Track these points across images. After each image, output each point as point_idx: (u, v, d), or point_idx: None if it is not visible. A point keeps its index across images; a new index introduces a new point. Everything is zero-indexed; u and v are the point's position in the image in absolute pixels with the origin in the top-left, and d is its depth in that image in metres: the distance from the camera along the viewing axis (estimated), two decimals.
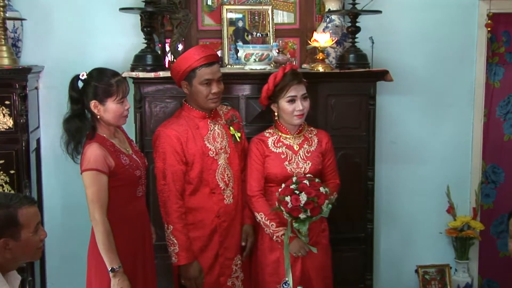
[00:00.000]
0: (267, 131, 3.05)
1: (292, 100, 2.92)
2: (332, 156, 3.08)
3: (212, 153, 2.90)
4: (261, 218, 2.93)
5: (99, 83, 2.62)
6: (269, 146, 2.99)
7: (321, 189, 2.78)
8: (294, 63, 3.60)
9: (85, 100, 2.65)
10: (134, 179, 2.70)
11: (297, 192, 2.75)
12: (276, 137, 3.01)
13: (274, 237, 2.91)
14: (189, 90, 2.87)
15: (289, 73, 2.93)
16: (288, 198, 2.76)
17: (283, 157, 2.97)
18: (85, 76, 2.65)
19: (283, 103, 2.93)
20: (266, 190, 3.01)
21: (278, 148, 2.99)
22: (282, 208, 2.79)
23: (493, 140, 4.13)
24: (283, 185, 2.84)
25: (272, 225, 2.91)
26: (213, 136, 2.93)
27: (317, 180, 2.84)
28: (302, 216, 2.75)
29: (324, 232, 3.05)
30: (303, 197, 2.73)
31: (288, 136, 3.01)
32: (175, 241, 2.83)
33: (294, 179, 2.82)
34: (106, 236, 2.56)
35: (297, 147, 3.00)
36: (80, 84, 2.66)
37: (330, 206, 2.80)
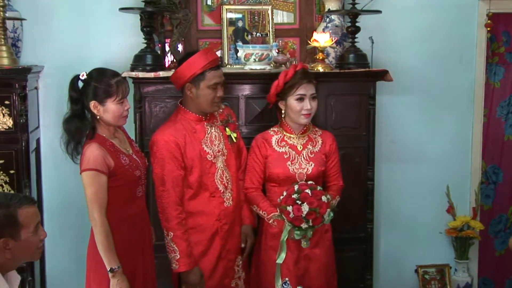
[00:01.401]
0: (271, 129, 3.06)
1: (300, 99, 2.92)
2: (336, 158, 3.08)
3: (210, 156, 2.89)
4: (256, 209, 2.98)
5: (99, 83, 2.62)
6: (273, 144, 2.99)
7: (323, 198, 2.79)
8: (294, 63, 3.59)
9: (85, 100, 2.64)
10: (133, 179, 2.70)
11: (299, 202, 2.75)
12: (280, 136, 3.01)
13: (270, 222, 2.93)
14: (193, 93, 2.85)
15: (300, 72, 2.94)
16: (290, 208, 2.76)
17: (285, 157, 2.97)
18: (85, 76, 2.65)
19: (292, 101, 2.93)
20: (268, 189, 3.02)
21: (281, 148, 2.99)
22: (284, 217, 2.80)
23: (493, 140, 4.12)
24: (284, 193, 2.84)
25: (264, 213, 2.94)
26: (211, 139, 2.92)
27: (319, 188, 2.85)
28: (304, 226, 2.77)
29: (327, 233, 3.05)
30: (305, 208, 2.74)
31: (292, 136, 3.01)
32: (176, 247, 2.81)
33: (295, 187, 2.82)
34: (105, 236, 2.56)
35: (300, 147, 3.00)
36: (80, 84, 2.66)
37: (332, 214, 2.82)
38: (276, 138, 3.01)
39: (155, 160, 2.84)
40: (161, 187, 2.82)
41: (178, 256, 2.81)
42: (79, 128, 2.64)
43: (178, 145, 2.82)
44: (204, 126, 2.92)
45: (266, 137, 3.02)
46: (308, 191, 2.78)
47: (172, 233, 2.81)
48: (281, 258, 2.86)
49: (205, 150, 2.88)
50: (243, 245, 3.01)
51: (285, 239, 2.84)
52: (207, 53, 2.86)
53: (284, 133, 3.02)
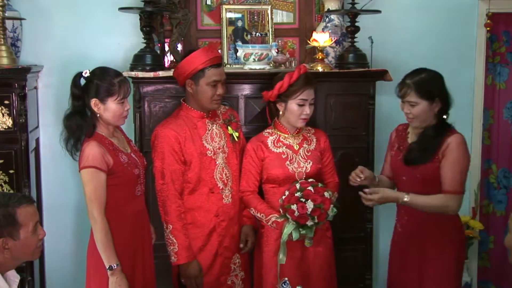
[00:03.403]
0: (265, 130, 3.05)
1: (302, 104, 2.91)
2: (330, 154, 3.09)
3: (210, 152, 2.91)
4: (253, 212, 2.97)
5: (101, 81, 2.63)
6: (269, 146, 2.99)
7: (326, 194, 2.80)
8: (294, 63, 3.60)
9: (86, 97, 2.66)
10: (132, 177, 2.71)
11: (302, 200, 2.76)
12: (276, 137, 3.01)
13: (269, 224, 2.92)
14: (193, 90, 2.88)
15: (305, 76, 2.93)
16: (294, 207, 2.77)
17: (283, 157, 2.97)
18: (88, 74, 2.66)
19: (293, 104, 2.92)
20: (267, 191, 3.02)
21: (278, 148, 2.99)
22: (289, 216, 2.80)
23: (502, 143, 4.08)
24: (286, 192, 2.85)
25: (262, 216, 2.93)
26: (211, 136, 2.94)
27: (320, 184, 2.86)
28: (309, 223, 2.77)
29: (328, 231, 3.06)
30: (310, 205, 2.74)
31: (287, 136, 3.01)
32: (175, 240, 2.84)
33: (297, 186, 2.83)
34: (104, 234, 2.57)
35: (297, 147, 3.00)
36: (82, 81, 2.67)
37: (335, 210, 2.82)
38: (272, 140, 3.01)
39: (155, 153, 2.88)
40: (161, 180, 2.86)
41: (177, 249, 2.84)
42: (80, 125, 2.66)
43: (178, 139, 2.86)
44: (205, 123, 2.94)
45: (261, 139, 3.01)
46: (310, 188, 2.79)
47: (171, 226, 2.84)
48: (281, 259, 2.86)
49: (205, 146, 2.90)
50: (241, 245, 3.01)
51: (285, 240, 2.84)
52: (208, 50, 2.88)
53: (279, 133, 3.02)
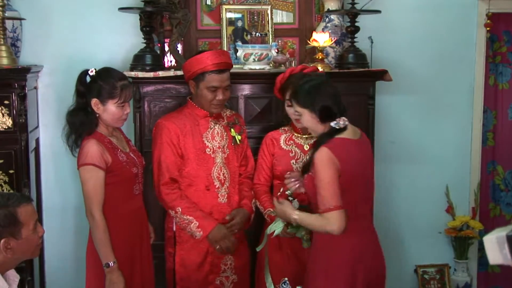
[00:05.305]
0: (282, 128, 3.09)
1: (290, 105, 2.87)
2: None
3: (209, 150, 2.93)
4: (258, 205, 3.03)
5: (104, 83, 2.66)
6: (280, 143, 3.02)
7: None
8: (294, 63, 3.59)
9: (88, 96, 2.67)
10: (130, 176, 2.72)
11: (290, 198, 2.76)
12: (289, 135, 3.04)
13: (265, 217, 2.98)
14: (195, 91, 2.93)
15: (293, 77, 2.91)
16: None
17: (291, 155, 3.00)
18: (93, 73, 2.69)
19: (285, 105, 2.95)
20: (275, 186, 3.05)
21: (288, 146, 3.02)
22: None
23: (508, 144, 4.08)
24: (281, 189, 2.85)
25: (261, 208, 3.01)
26: (212, 134, 2.96)
27: None
28: (294, 223, 2.76)
29: None
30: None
31: (300, 136, 3.02)
32: (190, 217, 2.85)
33: None
34: (101, 232, 2.59)
35: (307, 147, 3.01)
36: (88, 79, 2.69)
37: None
38: (285, 137, 3.04)
39: (155, 144, 2.93)
40: (157, 170, 2.90)
41: (197, 223, 2.84)
42: (83, 121, 2.68)
43: (177, 132, 2.89)
44: (208, 121, 2.97)
45: (275, 136, 3.05)
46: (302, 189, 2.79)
47: (179, 208, 2.85)
48: (259, 247, 2.86)
49: (205, 143, 2.94)
50: (227, 218, 2.94)
51: (268, 232, 2.84)
52: (214, 55, 2.88)
53: (293, 132, 3.04)
